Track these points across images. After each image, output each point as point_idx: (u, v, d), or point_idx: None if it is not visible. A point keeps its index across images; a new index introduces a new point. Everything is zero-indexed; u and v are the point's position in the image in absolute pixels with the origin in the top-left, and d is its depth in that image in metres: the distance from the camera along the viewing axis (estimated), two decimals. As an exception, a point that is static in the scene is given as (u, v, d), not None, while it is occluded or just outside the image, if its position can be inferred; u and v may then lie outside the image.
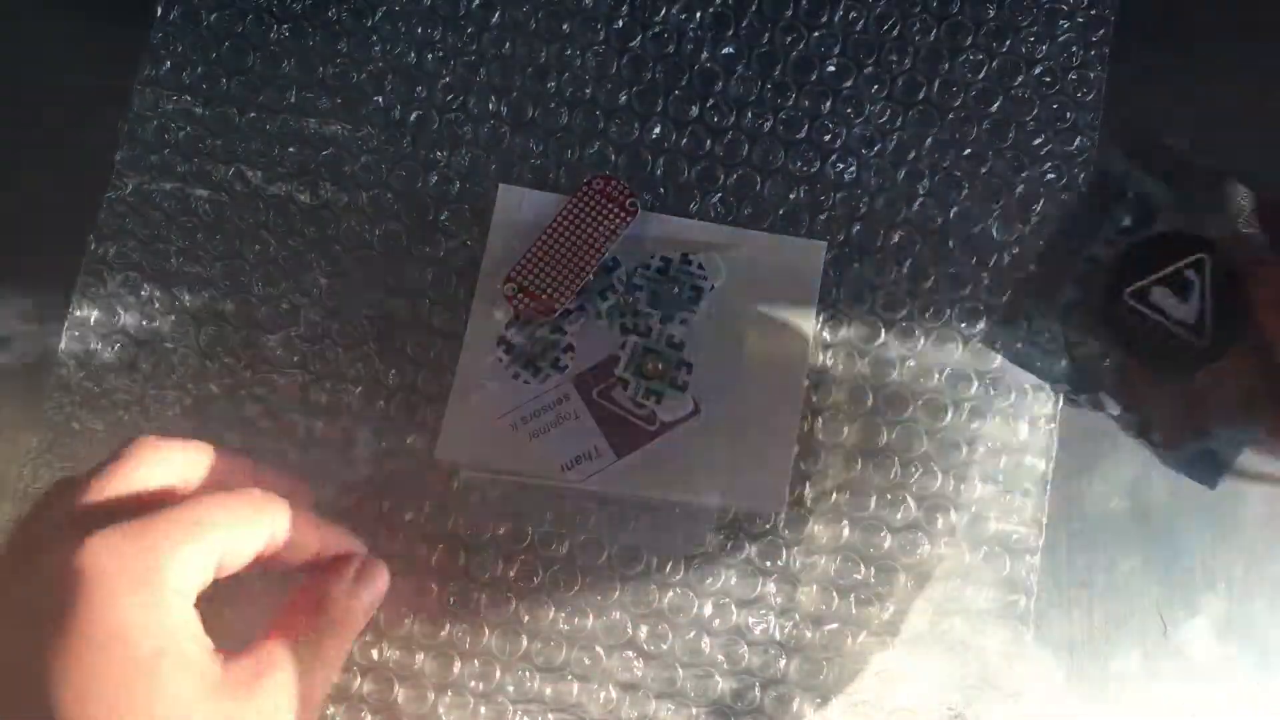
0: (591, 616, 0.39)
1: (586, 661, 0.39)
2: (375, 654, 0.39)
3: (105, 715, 0.26)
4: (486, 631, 0.39)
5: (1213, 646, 0.39)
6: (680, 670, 0.39)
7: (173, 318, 0.42)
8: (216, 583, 0.30)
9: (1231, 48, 0.43)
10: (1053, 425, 0.40)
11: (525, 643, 0.39)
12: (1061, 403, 0.40)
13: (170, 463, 0.31)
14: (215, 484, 0.32)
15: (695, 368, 0.40)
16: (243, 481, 0.32)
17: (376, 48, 0.43)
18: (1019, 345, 0.38)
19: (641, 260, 0.41)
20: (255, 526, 0.31)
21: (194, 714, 0.27)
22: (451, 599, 0.39)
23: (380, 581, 0.35)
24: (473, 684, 0.39)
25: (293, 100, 0.43)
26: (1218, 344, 0.35)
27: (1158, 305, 0.35)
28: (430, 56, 0.43)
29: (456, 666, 0.39)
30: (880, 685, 0.39)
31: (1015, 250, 0.41)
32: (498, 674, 0.39)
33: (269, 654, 0.31)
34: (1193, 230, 0.36)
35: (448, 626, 0.39)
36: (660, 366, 0.40)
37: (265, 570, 0.32)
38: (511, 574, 0.40)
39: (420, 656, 0.39)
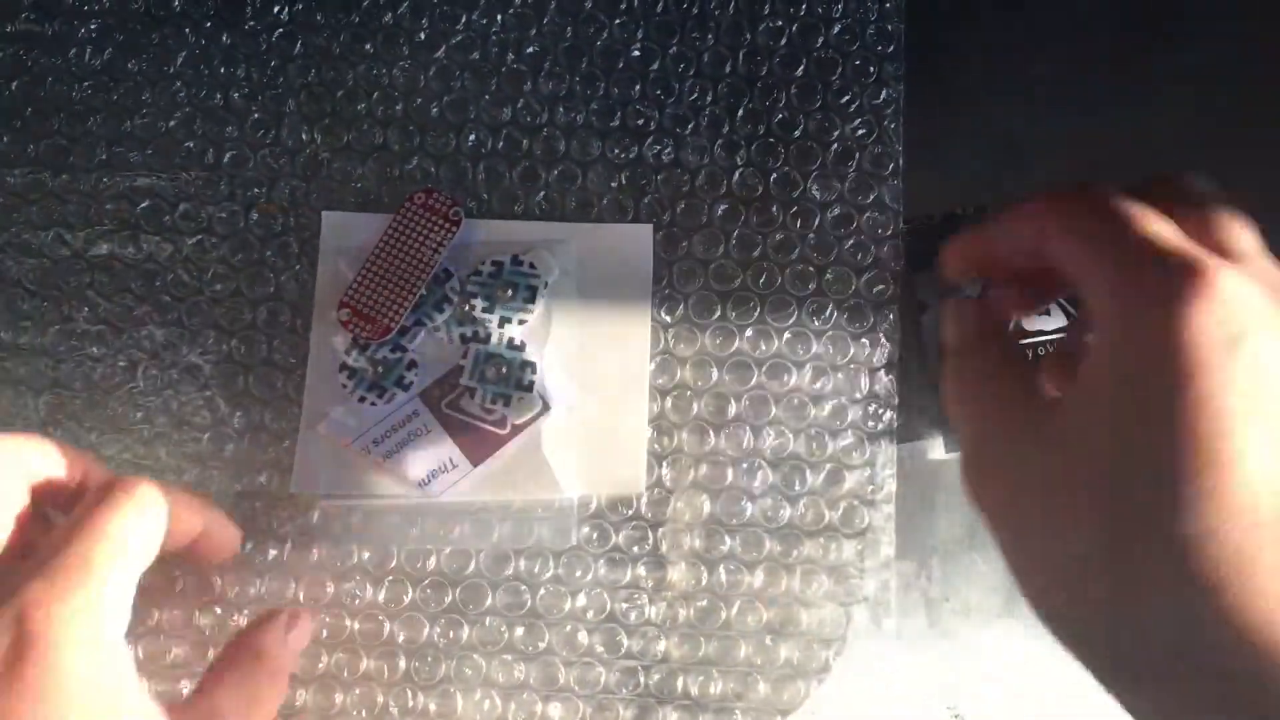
0: (466, 626, 0.39)
1: (468, 672, 0.39)
2: (257, 697, 0.39)
3: None
4: (364, 657, 0.39)
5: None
6: (562, 667, 0.39)
7: (9, 390, 0.41)
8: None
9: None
10: (892, 375, 0.41)
11: (404, 663, 0.39)
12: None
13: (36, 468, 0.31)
14: (72, 480, 0.32)
15: (540, 366, 0.40)
16: (95, 474, 0.32)
17: (181, 93, 0.43)
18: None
19: (472, 268, 0.41)
20: (156, 526, 0.30)
21: None
22: (324, 631, 0.39)
23: (307, 628, 0.37)
24: (356, 712, 0.39)
25: (104, 157, 0.42)
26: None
27: (1035, 330, 0.40)
28: (236, 95, 0.43)
29: (338, 697, 0.39)
30: (761, 649, 0.39)
31: (837, 210, 0.42)
32: (380, 698, 0.39)
33: (214, 704, 0.31)
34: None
35: (325, 658, 0.39)
36: (504, 370, 0.40)
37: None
38: (381, 597, 0.40)
39: (301, 693, 0.39)
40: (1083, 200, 0.24)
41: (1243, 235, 0.25)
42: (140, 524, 0.29)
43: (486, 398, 0.40)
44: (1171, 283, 0.21)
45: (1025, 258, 0.26)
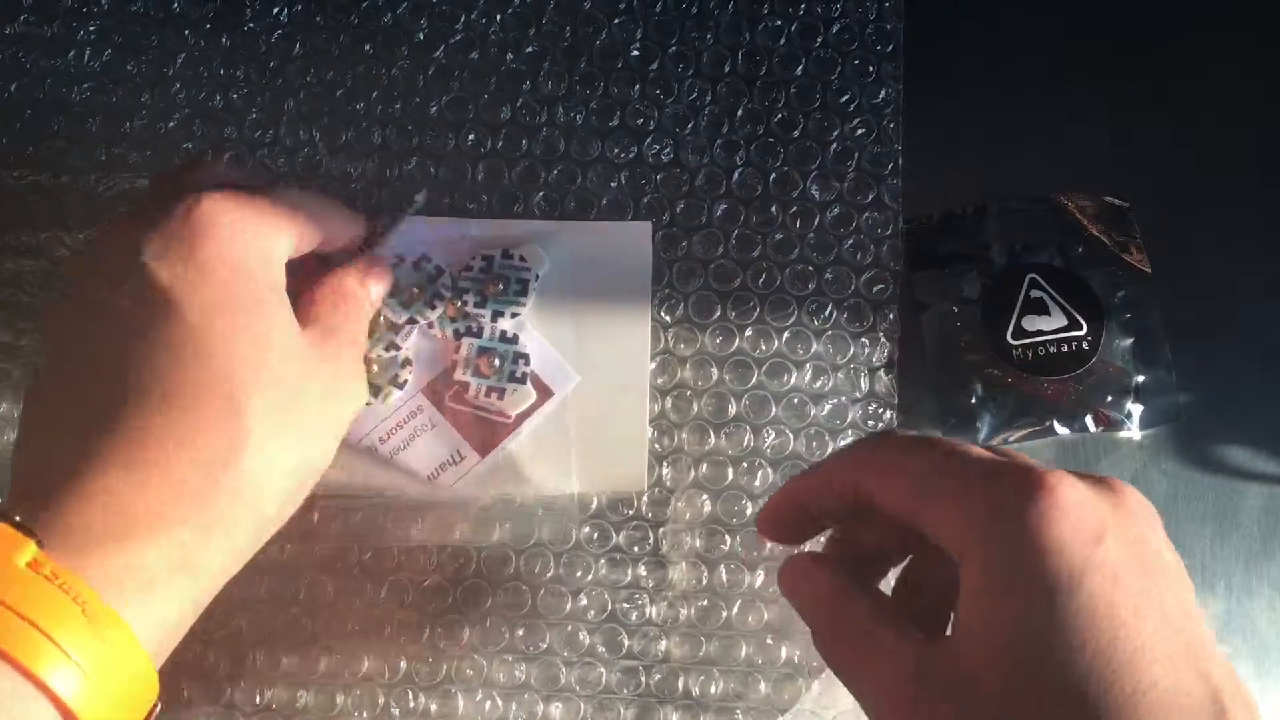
0: (467, 627, 0.39)
1: (469, 672, 0.39)
2: (258, 698, 0.39)
3: (226, 333, 0.30)
4: (364, 658, 0.39)
5: (1212, 646, 0.40)
6: (563, 667, 0.39)
7: (9, 393, 0.41)
8: None
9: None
10: (892, 375, 0.41)
11: (404, 664, 0.39)
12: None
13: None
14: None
15: (535, 359, 0.40)
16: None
17: (180, 95, 0.43)
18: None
19: (463, 264, 0.41)
20: (325, 216, 0.35)
21: (292, 349, 0.32)
22: (325, 632, 0.39)
23: (386, 276, 0.39)
24: (357, 713, 0.39)
25: (103, 158, 0.42)
26: (1093, 327, 0.41)
27: (1034, 330, 0.41)
28: (235, 95, 0.43)
29: (339, 698, 0.39)
30: (762, 648, 0.39)
31: (836, 210, 0.42)
32: (381, 699, 0.39)
33: (325, 324, 0.35)
34: (1013, 263, 0.42)
35: (324, 660, 0.39)
36: (496, 363, 0.40)
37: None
38: (382, 597, 0.40)
39: (302, 693, 0.39)
40: (890, 444, 0.25)
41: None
42: (317, 203, 0.35)
43: (480, 391, 0.40)
44: (1020, 496, 0.22)
45: (846, 509, 0.27)
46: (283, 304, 0.33)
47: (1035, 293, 0.42)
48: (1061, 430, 0.40)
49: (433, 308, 0.40)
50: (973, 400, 0.41)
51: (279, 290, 0.33)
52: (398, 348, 0.40)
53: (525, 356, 0.40)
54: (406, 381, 0.40)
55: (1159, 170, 0.43)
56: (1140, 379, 0.41)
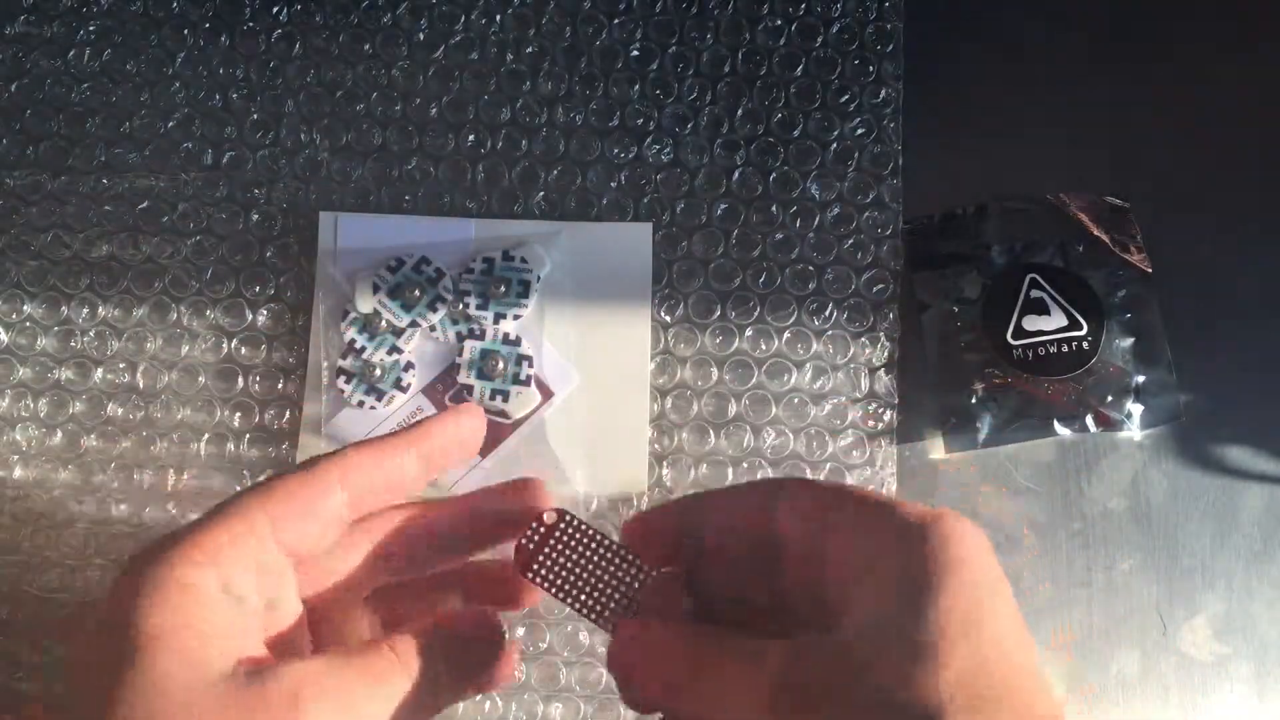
0: (467, 627, 0.39)
1: (469, 672, 0.39)
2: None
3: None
4: (365, 658, 0.39)
5: (1213, 646, 0.40)
6: (563, 667, 0.39)
7: (10, 392, 0.41)
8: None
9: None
10: (892, 375, 0.41)
11: (405, 663, 0.39)
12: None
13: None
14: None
15: (539, 357, 0.40)
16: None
17: (180, 94, 0.43)
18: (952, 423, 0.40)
19: (464, 266, 0.41)
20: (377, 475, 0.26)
21: None
22: (325, 631, 0.39)
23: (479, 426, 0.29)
24: (357, 712, 0.39)
25: (103, 158, 0.42)
26: (1093, 326, 0.41)
27: (1034, 330, 0.41)
28: (235, 95, 0.43)
29: (339, 698, 0.39)
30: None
31: (836, 210, 0.42)
32: (381, 699, 0.39)
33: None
34: (1013, 263, 0.42)
35: (325, 659, 0.39)
36: (500, 365, 0.40)
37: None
38: (382, 598, 0.40)
39: (302, 693, 0.39)
40: (801, 481, 0.25)
41: None
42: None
43: (485, 394, 0.40)
44: (925, 522, 0.22)
45: (734, 538, 0.25)
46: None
47: (1035, 293, 0.42)
48: (1062, 430, 0.40)
49: (434, 310, 0.40)
50: (973, 400, 0.41)
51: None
52: (400, 350, 0.40)
53: (529, 358, 0.40)
54: (409, 385, 0.40)
55: (1159, 170, 0.43)
56: (1140, 379, 0.41)
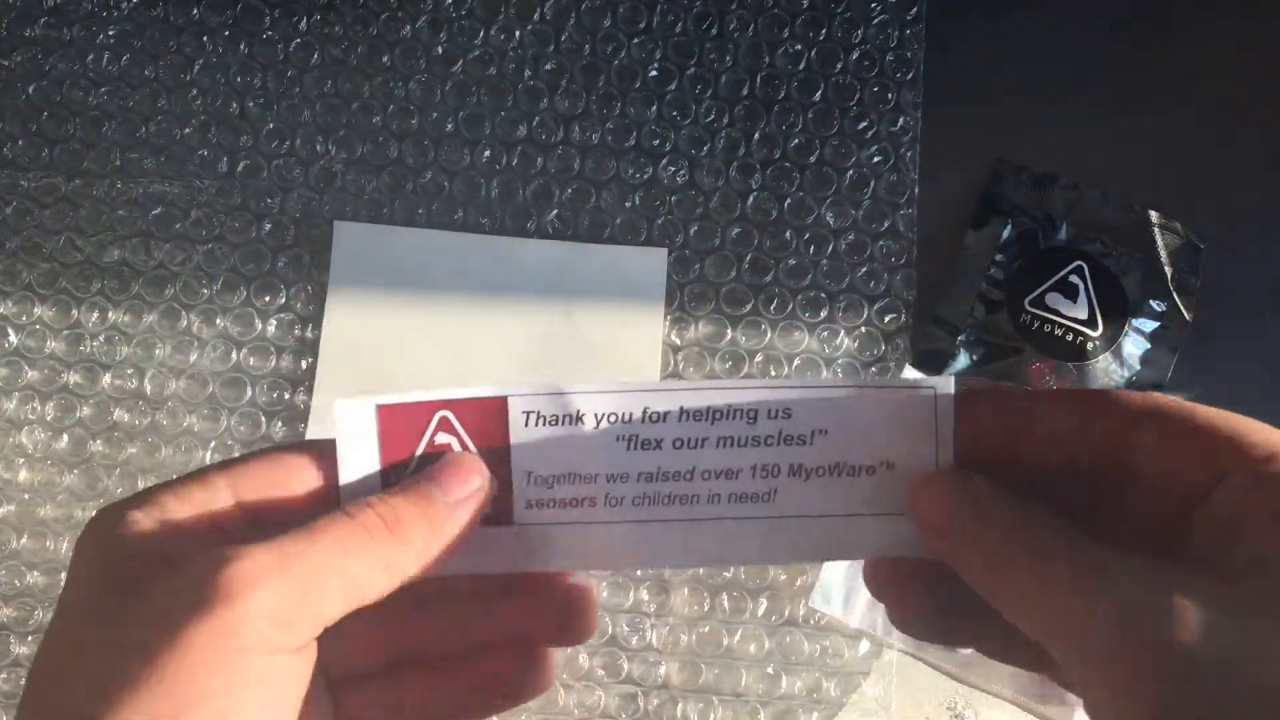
0: (467, 646, 0.39)
1: (467, 691, 0.39)
2: (255, 710, 0.39)
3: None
4: (363, 674, 0.39)
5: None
6: (562, 690, 0.39)
7: (18, 395, 0.41)
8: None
9: (1044, 10, 0.44)
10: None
11: (403, 680, 0.39)
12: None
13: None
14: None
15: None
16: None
17: (197, 101, 0.43)
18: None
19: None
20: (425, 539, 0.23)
21: None
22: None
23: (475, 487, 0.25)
24: (354, 728, 0.39)
25: (118, 163, 0.42)
26: (1108, 336, 0.41)
27: (1053, 308, 0.41)
28: (252, 104, 0.43)
29: (336, 712, 0.39)
30: (761, 679, 0.39)
31: (850, 237, 0.42)
32: (378, 715, 0.39)
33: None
34: (1071, 244, 0.42)
35: (323, 674, 0.39)
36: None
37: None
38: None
39: (299, 707, 0.39)
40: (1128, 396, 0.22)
41: None
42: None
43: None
44: None
45: (1058, 450, 0.22)
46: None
47: (1074, 278, 0.42)
48: None
49: None
50: (958, 338, 0.41)
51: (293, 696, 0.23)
52: (406, 363, 0.40)
53: (534, 377, 0.40)
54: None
55: (1191, 193, 0.42)
56: None
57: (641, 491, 0.24)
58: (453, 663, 0.26)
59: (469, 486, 0.24)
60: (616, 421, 0.24)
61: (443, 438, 0.24)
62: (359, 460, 0.24)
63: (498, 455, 0.24)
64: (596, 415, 0.24)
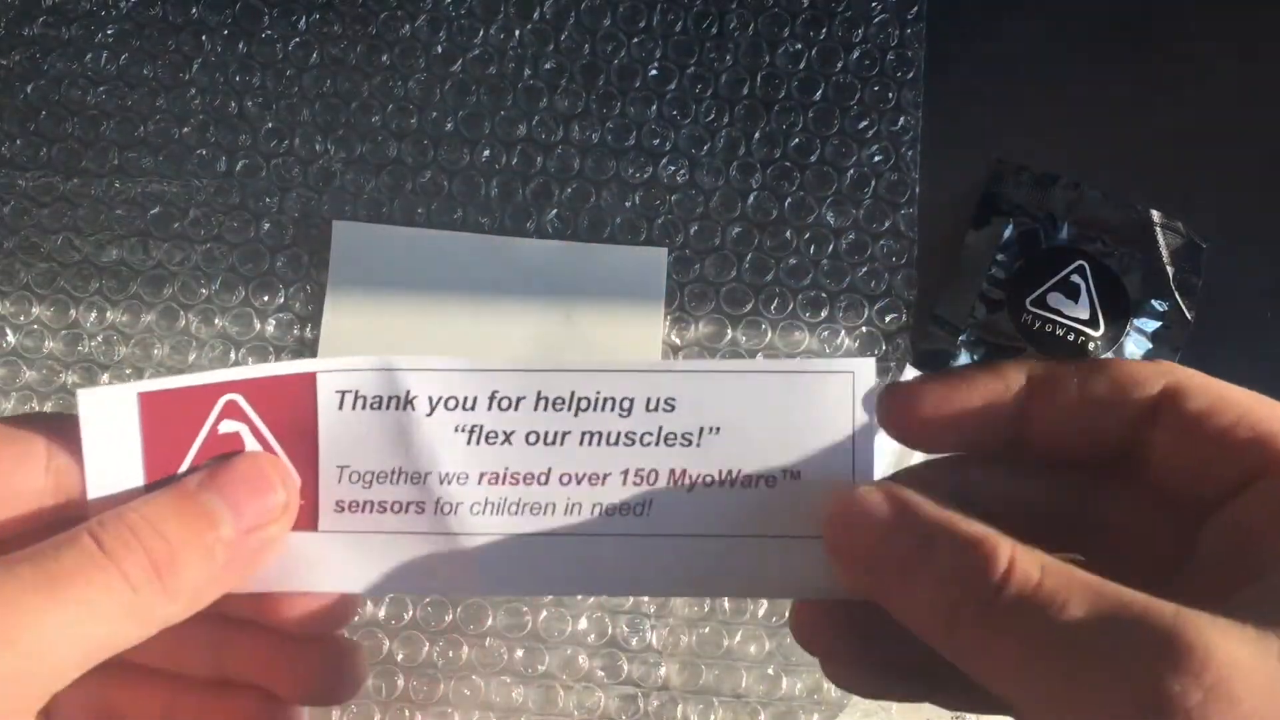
0: (466, 646, 0.39)
1: (466, 693, 0.39)
2: (253, 711, 0.39)
3: None
4: (362, 675, 0.39)
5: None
6: (561, 691, 0.39)
7: (15, 395, 0.41)
8: None
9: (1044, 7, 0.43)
10: (903, 403, 0.41)
11: (402, 681, 0.39)
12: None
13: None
14: None
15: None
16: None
17: (195, 100, 0.43)
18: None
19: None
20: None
21: None
22: (323, 647, 0.39)
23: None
24: (353, 730, 0.39)
25: (116, 162, 0.42)
26: (1109, 336, 0.40)
27: (1055, 308, 0.40)
28: (251, 103, 0.43)
29: (334, 714, 0.39)
30: (762, 680, 0.39)
31: (851, 237, 0.42)
32: (376, 717, 0.39)
33: None
34: (1072, 244, 0.41)
35: (322, 675, 0.39)
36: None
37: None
38: (381, 614, 0.39)
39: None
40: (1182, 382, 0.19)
41: None
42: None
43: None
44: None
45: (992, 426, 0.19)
46: None
47: (1075, 278, 0.41)
48: None
49: None
50: (959, 339, 0.41)
51: None
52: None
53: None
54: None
55: (1187, 196, 0.42)
56: None
57: (483, 497, 0.19)
58: (175, 692, 0.21)
59: (268, 504, 0.18)
60: (456, 408, 0.19)
61: (229, 426, 0.19)
62: (113, 461, 0.19)
63: (302, 445, 0.19)
64: (431, 399, 0.19)
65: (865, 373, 0.19)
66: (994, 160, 0.42)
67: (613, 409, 0.19)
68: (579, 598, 0.39)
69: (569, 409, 0.19)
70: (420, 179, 0.42)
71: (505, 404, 0.19)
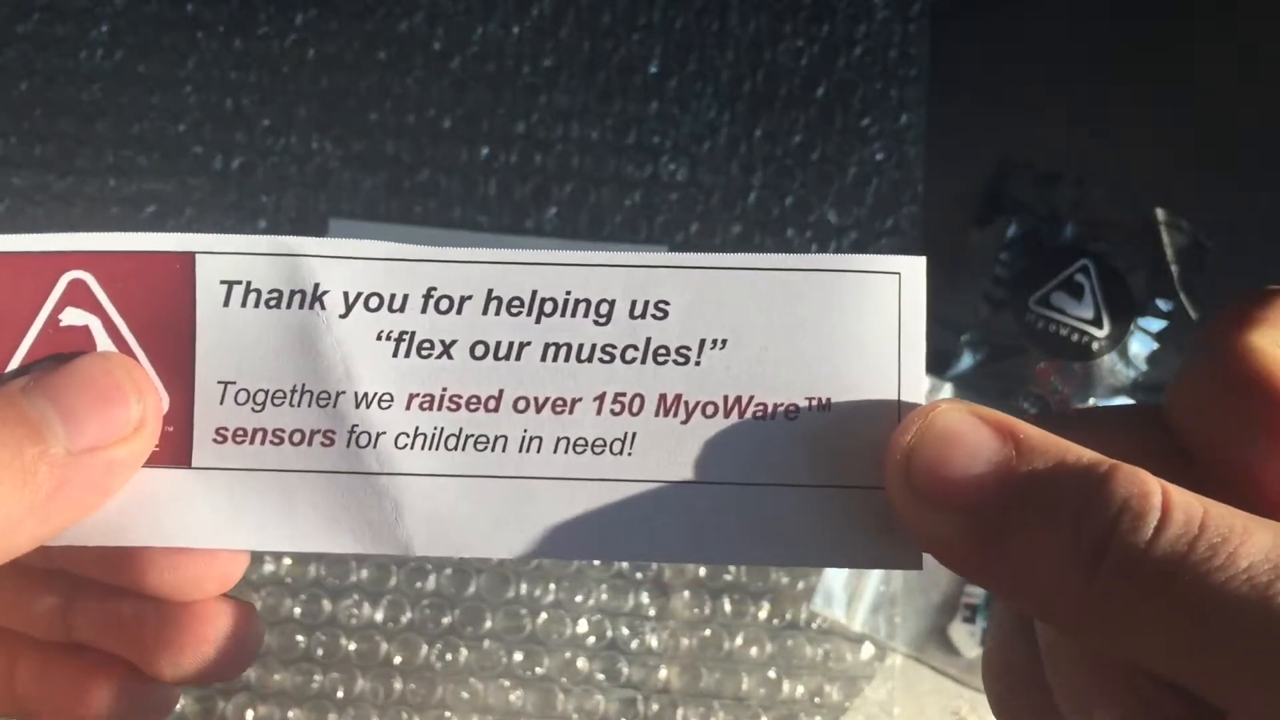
0: (464, 648, 0.39)
1: (464, 695, 0.39)
2: (250, 714, 0.38)
3: None
4: (359, 678, 0.39)
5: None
6: (560, 694, 0.39)
7: (9, 395, 0.41)
8: None
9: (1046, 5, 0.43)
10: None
11: (400, 684, 0.39)
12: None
13: None
14: None
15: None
16: None
17: (191, 98, 0.42)
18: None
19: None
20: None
21: None
22: (319, 649, 0.39)
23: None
24: (350, 733, 0.38)
25: (111, 160, 0.42)
26: (1114, 335, 0.40)
27: (1059, 307, 0.41)
28: (247, 101, 0.42)
29: (332, 717, 0.38)
30: (763, 683, 0.39)
31: (853, 235, 0.41)
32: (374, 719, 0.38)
33: None
34: (1076, 243, 0.41)
35: (318, 677, 0.39)
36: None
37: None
38: (379, 617, 0.39)
39: (293, 713, 0.38)
40: None
41: None
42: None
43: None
44: None
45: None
46: None
47: (1080, 277, 0.41)
48: (1023, 405, 0.40)
49: None
50: (963, 338, 0.40)
51: None
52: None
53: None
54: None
55: (1191, 189, 0.42)
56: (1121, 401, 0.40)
57: (413, 426, 0.14)
58: (15, 652, 0.17)
59: (116, 418, 0.14)
60: (380, 308, 0.14)
61: (75, 317, 0.15)
62: None
63: (172, 350, 0.15)
64: (347, 295, 0.14)
65: (914, 274, 0.14)
66: (998, 158, 0.42)
67: (586, 314, 0.14)
68: (578, 598, 0.39)
69: (529, 313, 0.14)
70: (418, 177, 0.42)
71: (445, 305, 0.14)
